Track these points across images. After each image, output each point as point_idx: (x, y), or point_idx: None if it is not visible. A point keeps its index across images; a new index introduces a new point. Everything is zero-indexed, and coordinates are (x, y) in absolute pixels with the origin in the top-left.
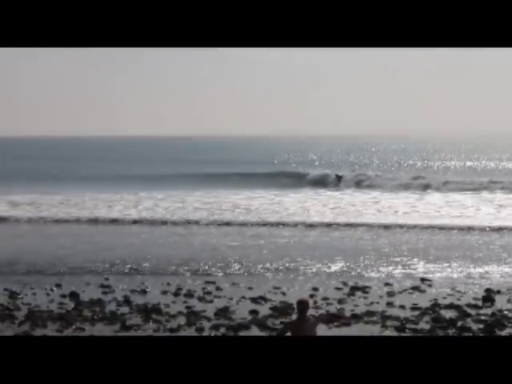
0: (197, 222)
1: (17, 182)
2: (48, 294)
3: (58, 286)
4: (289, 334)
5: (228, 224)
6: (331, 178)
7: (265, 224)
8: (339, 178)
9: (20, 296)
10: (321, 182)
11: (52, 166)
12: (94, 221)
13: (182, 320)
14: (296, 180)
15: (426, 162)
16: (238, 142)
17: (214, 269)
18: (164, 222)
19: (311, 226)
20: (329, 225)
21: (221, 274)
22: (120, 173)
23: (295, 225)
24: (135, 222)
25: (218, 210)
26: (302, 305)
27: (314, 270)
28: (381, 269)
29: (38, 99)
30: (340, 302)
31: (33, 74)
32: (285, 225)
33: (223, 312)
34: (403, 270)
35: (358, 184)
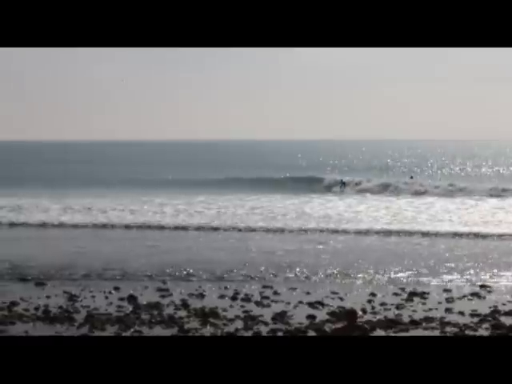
0: (250, 227)
1: (71, 186)
2: (106, 297)
3: (117, 289)
4: None
5: (282, 229)
6: (371, 183)
7: (320, 229)
8: (343, 184)
9: (79, 299)
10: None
11: (102, 169)
12: (147, 226)
13: (239, 324)
14: (347, 185)
15: (476, 166)
16: (283, 145)
17: (270, 273)
18: (218, 227)
19: (366, 231)
20: (385, 231)
21: (278, 279)
22: (170, 177)
23: (350, 230)
24: (189, 227)
25: (270, 214)
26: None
27: (372, 275)
28: (439, 275)
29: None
30: (398, 307)
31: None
32: (339, 230)
33: (280, 316)
34: (462, 276)
35: (414, 190)
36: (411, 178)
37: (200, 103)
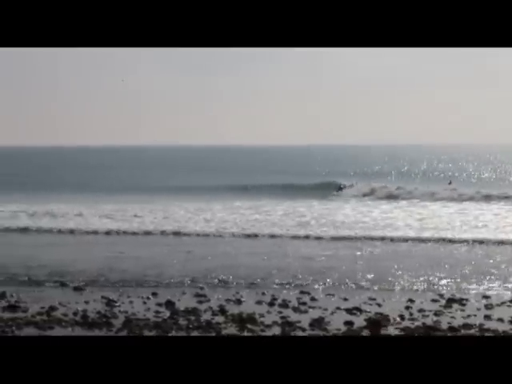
0: (286, 233)
1: (106, 192)
2: (144, 303)
3: (154, 294)
4: None
5: (319, 236)
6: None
7: (356, 236)
8: (341, 189)
9: (117, 304)
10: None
11: (140, 175)
12: (181, 233)
13: (276, 330)
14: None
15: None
16: (315, 150)
17: (308, 279)
18: (253, 233)
19: (403, 238)
20: (421, 237)
21: (315, 285)
22: (205, 183)
23: (387, 236)
24: (224, 232)
25: (304, 220)
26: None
27: (410, 281)
28: (478, 281)
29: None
30: (436, 314)
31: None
32: (376, 237)
33: (318, 322)
34: (501, 283)
35: (452, 196)
36: (450, 183)
37: (227, 107)
